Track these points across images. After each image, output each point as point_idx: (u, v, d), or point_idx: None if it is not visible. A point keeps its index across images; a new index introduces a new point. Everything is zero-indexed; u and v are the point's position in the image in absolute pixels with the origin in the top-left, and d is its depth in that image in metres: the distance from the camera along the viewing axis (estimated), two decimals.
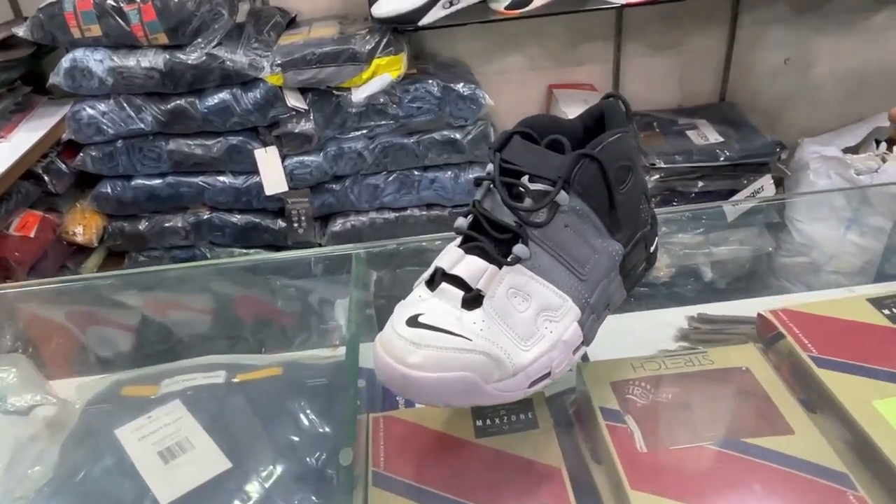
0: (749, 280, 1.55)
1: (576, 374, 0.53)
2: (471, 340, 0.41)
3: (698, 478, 0.43)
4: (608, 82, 1.60)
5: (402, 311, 0.43)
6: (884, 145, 1.56)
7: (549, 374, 0.44)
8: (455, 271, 0.44)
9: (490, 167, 0.45)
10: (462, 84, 1.37)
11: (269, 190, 1.42)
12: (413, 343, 0.40)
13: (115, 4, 1.25)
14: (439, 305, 0.43)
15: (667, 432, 0.46)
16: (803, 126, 1.64)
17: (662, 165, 1.44)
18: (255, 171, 1.42)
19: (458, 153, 1.43)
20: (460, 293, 0.43)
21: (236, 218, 1.49)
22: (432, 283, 0.44)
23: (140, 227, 1.48)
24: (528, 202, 0.44)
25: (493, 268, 0.44)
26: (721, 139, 1.51)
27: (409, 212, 1.50)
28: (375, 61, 1.32)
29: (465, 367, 0.41)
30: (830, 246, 1.49)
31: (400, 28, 1.32)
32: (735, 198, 1.50)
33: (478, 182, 0.46)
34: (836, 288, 0.71)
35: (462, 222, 0.46)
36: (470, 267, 0.44)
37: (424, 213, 1.50)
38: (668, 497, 0.41)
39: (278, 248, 1.54)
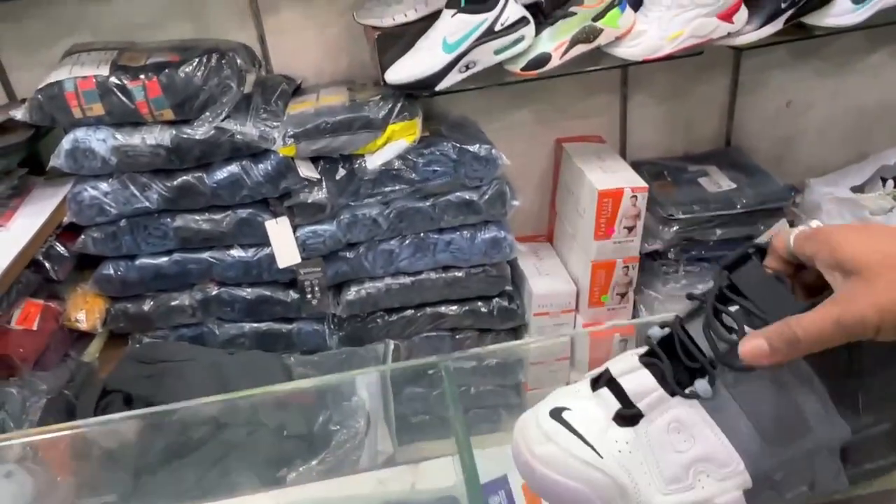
0: None
1: None
2: (602, 458, 0.39)
3: None
4: (616, 133, 1.60)
5: (554, 397, 0.42)
6: (891, 183, 1.58)
7: None
8: (621, 380, 0.41)
9: (711, 284, 0.41)
10: (478, 145, 1.34)
11: (282, 262, 1.37)
12: (546, 435, 0.39)
13: (118, 82, 1.20)
14: (591, 409, 0.41)
15: None
16: (808, 166, 1.65)
17: (681, 216, 1.43)
18: (266, 243, 1.37)
19: (475, 214, 1.40)
20: (617, 405, 0.41)
21: (246, 292, 1.43)
22: (596, 383, 0.42)
23: (144, 308, 1.41)
24: (734, 337, 0.39)
25: (662, 392, 0.40)
26: (733, 185, 1.50)
27: (424, 275, 1.45)
28: (390, 127, 1.28)
29: (585, 482, 0.38)
30: None
31: (415, 93, 1.29)
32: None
33: (690, 296, 0.42)
34: None
35: (655, 333, 0.42)
36: (639, 381, 0.41)
37: (441, 275, 1.45)
38: None
39: (290, 321, 1.48)
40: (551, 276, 1.54)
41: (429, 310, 1.49)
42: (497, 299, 1.50)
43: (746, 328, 0.39)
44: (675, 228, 1.43)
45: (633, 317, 1.52)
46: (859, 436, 0.38)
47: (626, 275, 1.46)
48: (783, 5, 1.24)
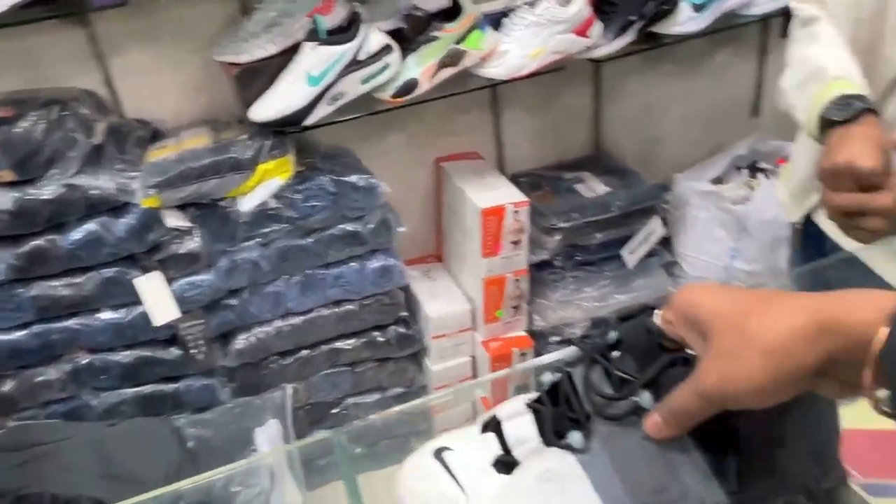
0: None
1: None
2: (467, 500, 0.40)
3: None
4: (492, 148, 1.62)
5: (445, 438, 0.43)
6: (745, 172, 1.70)
7: None
8: (505, 426, 0.41)
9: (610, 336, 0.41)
10: (356, 176, 1.31)
11: (159, 319, 1.27)
12: (423, 472, 0.41)
13: None
14: (473, 452, 0.41)
15: None
16: (672, 163, 1.75)
17: (562, 225, 1.46)
18: (138, 302, 1.27)
19: (361, 245, 1.37)
20: (498, 451, 0.41)
21: (121, 356, 1.32)
22: (486, 427, 0.42)
23: (5, 389, 1.27)
24: (610, 391, 0.39)
25: (539, 441, 0.40)
26: (608, 189, 1.56)
27: (316, 313, 1.40)
28: (261, 167, 1.23)
29: None
30: (721, 275, 1.59)
31: (283, 130, 1.24)
32: (630, 243, 1.56)
33: (575, 343, 0.42)
34: None
35: (547, 378, 0.42)
36: (520, 428, 0.41)
37: (333, 310, 1.41)
38: None
39: (175, 380, 1.38)
40: (445, 297, 1.53)
41: (324, 347, 1.44)
42: (393, 327, 1.48)
43: (626, 374, 0.39)
44: (557, 237, 1.47)
45: (529, 327, 1.54)
46: None
47: (517, 288, 1.48)
48: (633, 18, 1.30)
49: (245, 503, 1.15)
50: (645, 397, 0.38)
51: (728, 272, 1.57)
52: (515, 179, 1.59)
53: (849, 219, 0.69)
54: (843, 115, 0.71)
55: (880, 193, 0.66)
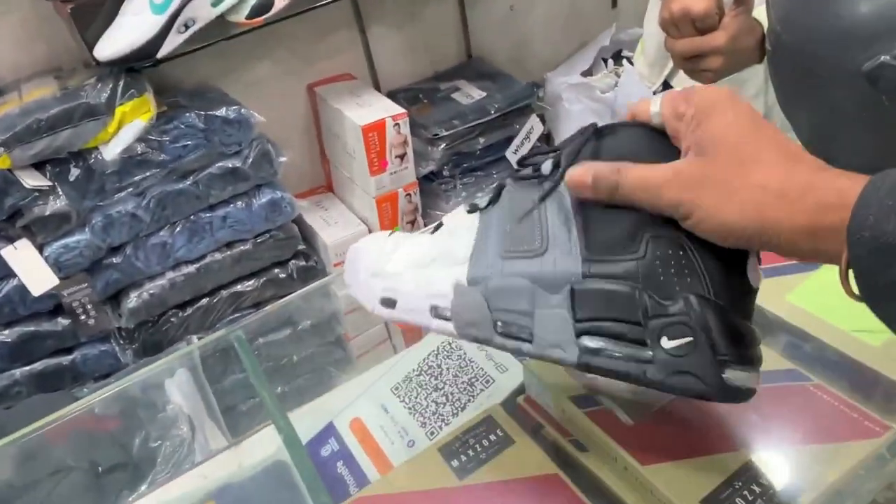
0: None
1: (525, 375, 0.51)
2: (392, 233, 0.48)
3: (693, 427, 0.44)
4: (364, 68, 1.58)
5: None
6: (611, 62, 1.75)
7: (391, 301, 0.43)
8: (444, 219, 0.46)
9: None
10: (224, 108, 1.25)
11: (37, 289, 1.19)
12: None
13: None
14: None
15: (641, 397, 0.46)
16: (543, 61, 1.78)
17: (445, 133, 1.47)
18: (10, 275, 1.18)
19: (243, 181, 1.32)
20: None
21: (3, 335, 1.23)
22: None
23: None
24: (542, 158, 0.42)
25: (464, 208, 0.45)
26: (484, 93, 1.57)
27: (209, 258, 1.36)
28: (119, 109, 1.15)
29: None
30: None
31: (136, 66, 1.16)
32: (513, 144, 1.59)
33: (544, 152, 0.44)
34: None
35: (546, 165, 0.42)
36: (455, 217, 0.45)
37: (227, 253, 1.37)
38: (680, 458, 0.41)
39: (69, 350, 1.31)
40: (340, 223, 1.52)
41: (224, 292, 1.40)
42: (293, 261, 1.45)
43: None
44: (442, 146, 1.47)
45: None
46: (590, 284, 0.36)
47: (409, 202, 1.49)
48: None
49: (167, 456, 1.13)
50: (546, 164, 0.40)
51: None
52: (393, 96, 1.57)
53: (692, 63, 0.73)
54: None
55: (715, 34, 0.70)
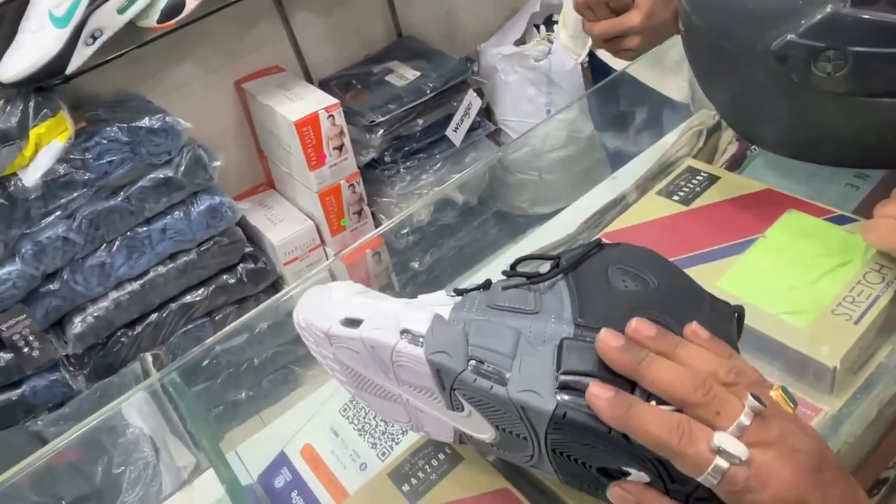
0: (517, 191, 1.66)
1: None
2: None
3: None
4: (292, 59, 1.53)
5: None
6: (543, 28, 1.74)
7: (355, 321, 0.41)
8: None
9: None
10: (148, 118, 1.20)
11: None
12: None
13: None
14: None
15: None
16: (474, 34, 1.75)
17: (382, 119, 1.44)
18: None
19: (178, 190, 1.28)
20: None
21: None
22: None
23: None
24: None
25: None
26: (418, 73, 1.54)
27: (152, 273, 1.32)
28: (33, 132, 1.09)
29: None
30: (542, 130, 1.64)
31: (45, 84, 1.10)
32: (452, 122, 1.57)
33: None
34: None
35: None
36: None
37: (171, 265, 1.33)
38: None
39: (17, 384, 1.27)
40: (286, 221, 1.49)
41: (173, 305, 1.37)
42: (241, 265, 1.43)
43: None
44: (380, 133, 1.45)
45: (376, 228, 1.54)
46: (580, 341, 0.36)
47: (354, 192, 1.46)
48: None
49: (133, 481, 1.11)
50: (543, 267, 0.42)
51: (549, 125, 1.63)
52: (325, 85, 1.53)
53: (611, 44, 0.73)
54: None
55: (630, 14, 0.70)
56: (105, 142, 1.18)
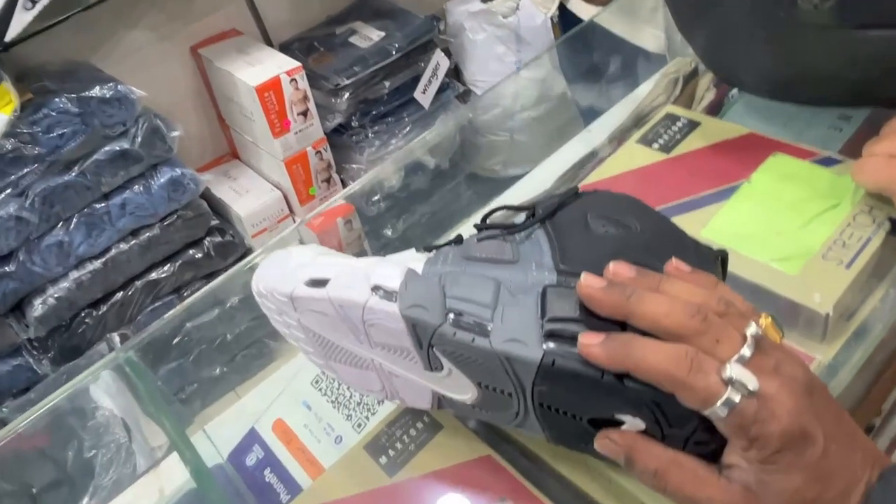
0: (489, 153, 1.63)
1: None
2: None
3: None
4: (250, 21, 1.47)
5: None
6: None
7: (321, 281, 0.37)
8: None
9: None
10: (99, 87, 1.14)
11: None
12: None
13: None
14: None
15: None
16: None
17: (347, 82, 1.39)
18: None
19: (136, 163, 1.22)
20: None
21: None
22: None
23: None
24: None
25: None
26: (383, 33, 1.49)
27: (114, 251, 1.27)
28: None
29: None
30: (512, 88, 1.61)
31: None
32: (420, 83, 1.52)
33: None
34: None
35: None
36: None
37: (134, 242, 1.28)
38: None
39: None
40: (252, 191, 1.44)
41: (138, 283, 1.32)
42: (208, 239, 1.38)
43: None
44: (346, 96, 1.40)
45: (346, 200, 1.50)
46: (565, 287, 0.34)
47: (321, 159, 1.42)
48: None
49: (106, 464, 1.08)
50: (518, 217, 0.39)
51: (519, 84, 1.59)
52: (286, 48, 1.47)
53: None
54: None
55: None
56: (54, 114, 1.11)
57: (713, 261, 0.38)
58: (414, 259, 0.38)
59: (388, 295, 0.35)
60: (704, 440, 0.31)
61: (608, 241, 0.36)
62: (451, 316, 0.34)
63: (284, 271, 0.39)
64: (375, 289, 0.35)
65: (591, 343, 0.31)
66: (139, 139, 1.20)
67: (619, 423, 0.33)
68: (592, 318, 0.32)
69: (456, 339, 0.33)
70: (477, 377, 0.35)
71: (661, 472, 0.31)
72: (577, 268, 0.35)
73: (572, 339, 0.32)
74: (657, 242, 0.37)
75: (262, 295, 0.41)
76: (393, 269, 0.36)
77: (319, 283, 0.37)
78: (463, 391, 0.36)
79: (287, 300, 0.38)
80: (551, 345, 0.32)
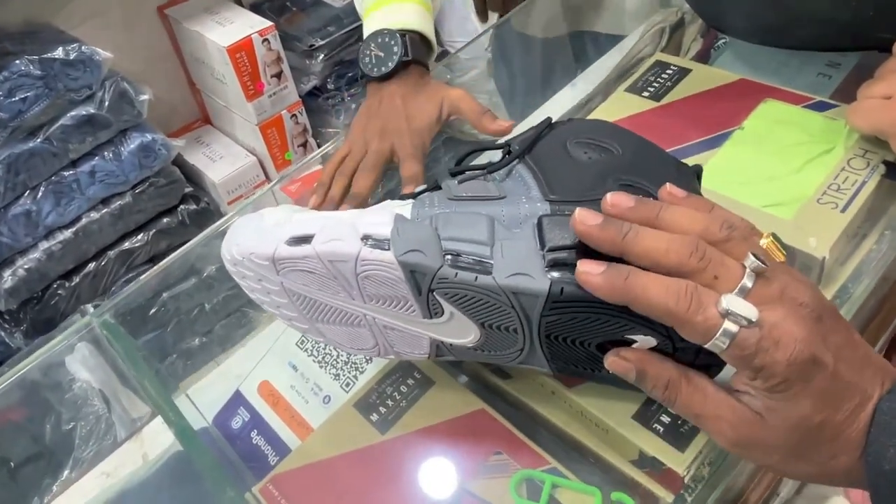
0: None
1: None
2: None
3: None
4: None
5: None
6: None
7: (305, 238, 0.35)
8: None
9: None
10: (62, 48, 1.09)
11: None
12: None
13: None
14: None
15: None
16: None
17: (321, 43, 1.35)
18: None
19: (104, 128, 1.18)
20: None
21: None
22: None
23: None
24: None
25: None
26: None
27: (85, 220, 1.23)
28: None
29: None
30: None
31: None
32: None
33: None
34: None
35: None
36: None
37: (105, 210, 1.24)
38: None
39: None
40: (226, 157, 1.41)
41: (111, 253, 1.28)
42: (182, 207, 1.34)
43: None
44: (321, 58, 1.36)
45: (323, 162, 1.47)
46: (559, 215, 0.33)
47: (297, 123, 1.39)
48: None
49: (85, 436, 1.06)
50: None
51: None
52: (256, 8, 1.43)
53: None
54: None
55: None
56: (15, 76, 1.06)
57: (693, 176, 0.38)
58: (398, 206, 0.37)
59: (380, 243, 0.33)
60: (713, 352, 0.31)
61: (592, 166, 0.36)
62: (450, 257, 0.33)
63: (260, 233, 0.37)
64: (365, 238, 0.34)
65: (590, 272, 0.30)
66: (106, 103, 1.16)
67: (629, 343, 0.33)
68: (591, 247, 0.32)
69: (458, 279, 0.32)
70: (480, 317, 0.34)
71: (672, 385, 0.31)
72: (567, 195, 0.34)
73: (576, 265, 0.31)
74: (640, 161, 0.36)
75: (236, 262, 0.38)
76: (381, 215, 0.34)
77: (303, 239, 0.35)
78: (465, 334, 0.35)
79: (268, 263, 0.36)
80: (556, 274, 0.31)
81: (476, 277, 0.32)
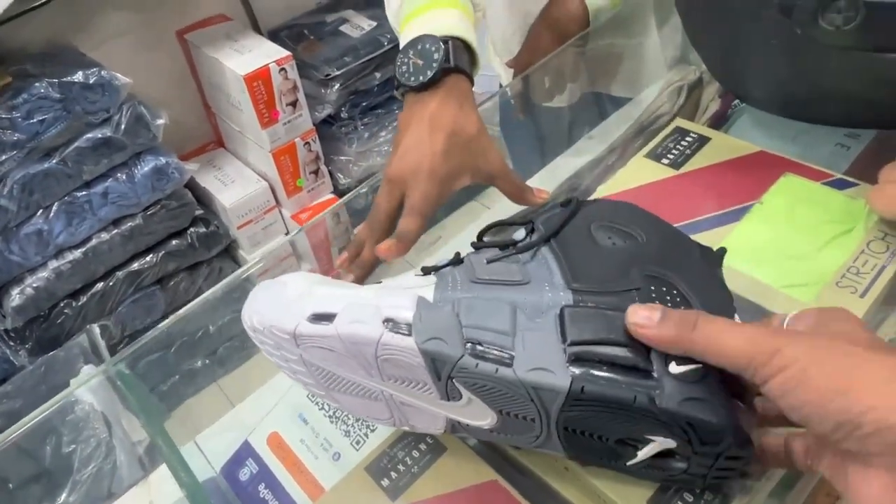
0: None
1: None
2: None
3: None
4: (238, 5, 1.43)
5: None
6: None
7: (327, 316, 0.35)
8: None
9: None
10: (82, 72, 1.11)
11: None
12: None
13: None
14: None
15: None
16: None
17: (337, 72, 1.37)
18: None
19: (119, 150, 1.19)
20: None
21: None
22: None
23: None
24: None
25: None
26: (374, 23, 1.47)
27: (95, 240, 1.24)
28: None
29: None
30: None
31: None
32: None
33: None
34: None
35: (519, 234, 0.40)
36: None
37: (115, 231, 1.25)
38: None
39: None
40: (238, 182, 1.41)
41: (120, 273, 1.29)
42: (192, 229, 1.35)
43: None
44: (336, 87, 1.37)
45: (334, 188, 1.48)
46: (583, 308, 0.33)
47: (310, 151, 1.39)
48: None
49: (85, 459, 1.05)
50: (518, 233, 0.38)
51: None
52: (274, 36, 1.44)
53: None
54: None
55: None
56: (34, 99, 1.08)
57: (718, 262, 0.38)
58: (419, 285, 0.37)
59: (402, 327, 0.33)
60: (736, 456, 0.31)
61: (616, 254, 0.36)
62: (470, 346, 0.32)
63: (282, 304, 0.37)
64: (387, 321, 0.34)
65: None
66: (122, 127, 1.17)
67: (647, 441, 0.32)
68: (618, 336, 0.32)
69: (478, 370, 0.32)
70: (498, 405, 0.34)
71: (695, 327, 0.29)
72: (590, 284, 0.34)
73: (598, 362, 0.31)
74: (666, 249, 0.36)
75: (256, 330, 0.38)
76: (403, 298, 0.34)
77: (325, 317, 0.35)
78: (482, 418, 0.35)
79: (289, 337, 0.36)
80: (576, 370, 0.31)
81: (497, 370, 0.32)
